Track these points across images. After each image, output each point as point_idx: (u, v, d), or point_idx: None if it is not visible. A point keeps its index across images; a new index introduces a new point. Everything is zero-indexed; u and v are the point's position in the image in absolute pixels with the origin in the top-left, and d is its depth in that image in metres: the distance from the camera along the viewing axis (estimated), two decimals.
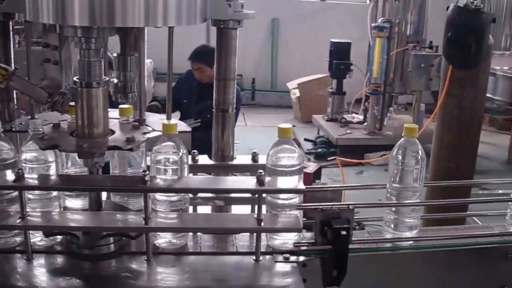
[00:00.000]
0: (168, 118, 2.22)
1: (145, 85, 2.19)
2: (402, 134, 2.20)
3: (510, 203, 2.41)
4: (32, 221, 1.90)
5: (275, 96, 12.55)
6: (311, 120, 10.28)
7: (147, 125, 2.13)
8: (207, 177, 2.25)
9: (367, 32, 9.17)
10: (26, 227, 1.92)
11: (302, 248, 2.10)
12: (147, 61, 2.25)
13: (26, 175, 1.89)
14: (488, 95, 5.45)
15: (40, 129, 1.92)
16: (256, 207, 1.98)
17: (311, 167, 6.15)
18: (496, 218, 2.56)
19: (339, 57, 9.48)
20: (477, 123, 5.08)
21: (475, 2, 4.64)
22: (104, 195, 2.21)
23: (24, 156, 2.04)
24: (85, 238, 1.97)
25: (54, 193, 2.08)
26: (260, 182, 1.94)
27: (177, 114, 5.65)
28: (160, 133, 2.07)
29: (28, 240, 1.96)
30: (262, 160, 2.32)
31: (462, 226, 2.51)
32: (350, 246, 2.04)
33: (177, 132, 2.03)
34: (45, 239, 2.03)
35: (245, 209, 2.28)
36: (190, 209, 2.20)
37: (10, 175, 1.92)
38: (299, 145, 9.00)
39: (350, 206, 2.07)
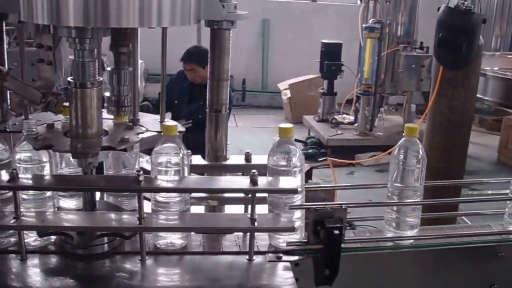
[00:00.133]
0: (162, 118, 2.24)
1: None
2: (403, 134, 2.23)
3: (508, 202, 2.44)
4: (26, 221, 1.90)
5: (266, 97, 12.54)
6: (302, 120, 10.29)
7: (140, 125, 2.14)
8: (201, 177, 2.26)
9: (358, 33, 9.20)
10: (20, 227, 1.92)
11: (295, 247, 2.11)
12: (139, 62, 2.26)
13: (20, 175, 1.89)
14: (478, 95, 5.48)
15: (34, 130, 1.92)
16: (249, 206, 1.99)
17: None
18: (486, 217, 2.59)
19: (330, 57, 9.50)
20: (468, 123, 5.11)
21: (466, 3, 4.67)
22: (97, 195, 2.22)
23: (18, 156, 2.04)
24: (79, 238, 1.97)
25: (48, 193, 2.09)
26: (253, 181, 1.95)
27: (168, 115, 5.65)
28: (154, 133, 2.08)
29: (22, 240, 1.96)
30: (255, 160, 2.34)
31: (453, 226, 2.54)
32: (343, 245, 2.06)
33: (178, 133, 2.03)
34: (39, 239, 2.03)
35: (240, 209, 2.28)
36: None
37: (4, 175, 1.91)
38: None
39: (343, 205, 2.08)
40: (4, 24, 2.22)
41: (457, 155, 5.03)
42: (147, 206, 2.04)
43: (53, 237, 2.07)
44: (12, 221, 1.89)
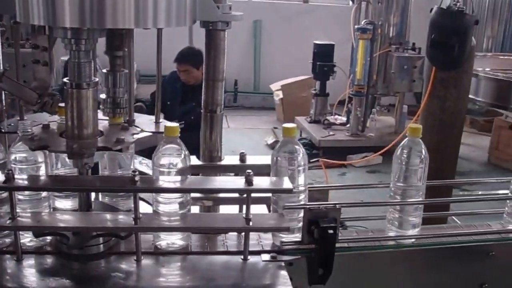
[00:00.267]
0: (157, 119, 2.25)
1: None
2: (406, 134, 2.26)
3: (508, 201, 2.46)
4: (22, 222, 1.91)
5: (258, 98, 12.52)
6: (294, 122, 10.29)
7: (136, 126, 2.14)
8: (196, 177, 2.27)
9: (350, 34, 9.20)
10: (16, 228, 1.92)
11: (289, 247, 2.12)
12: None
13: (16, 176, 1.89)
14: (470, 96, 5.51)
15: (30, 130, 1.93)
16: (244, 206, 2.01)
17: None
18: (477, 217, 2.61)
19: (323, 58, 9.48)
20: (460, 124, 5.13)
21: (458, 4, 4.69)
22: (93, 196, 2.22)
23: (14, 157, 2.05)
24: (75, 239, 1.98)
25: (44, 194, 2.09)
26: (248, 182, 1.96)
27: (161, 115, 5.65)
28: (149, 134, 2.09)
29: (18, 240, 1.97)
30: (249, 160, 2.35)
31: (443, 226, 2.56)
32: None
33: (179, 135, 2.04)
34: (35, 239, 2.04)
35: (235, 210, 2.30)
36: None
37: (0, 176, 1.92)
38: None
39: (337, 205, 2.10)
40: None
41: (449, 155, 5.04)
42: (143, 207, 2.05)
43: (48, 238, 2.07)
44: (8, 221, 1.89)
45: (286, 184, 2.02)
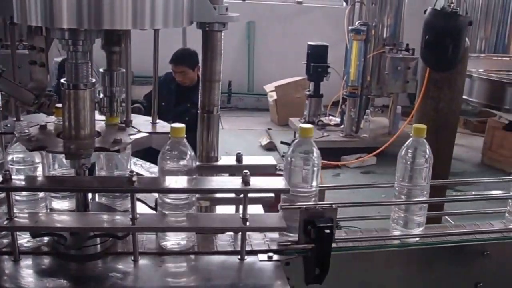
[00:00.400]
0: (154, 120, 2.25)
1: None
2: (411, 134, 2.28)
3: (509, 200, 2.48)
4: (19, 222, 1.91)
5: (252, 99, 12.52)
6: (288, 123, 10.30)
7: (133, 127, 2.15)
8: (193, 178, 2.27)
9: (344, 35, 9.22)
10: (14, 228, 1.92)
11: (286, 247, 2.13)
12: None
13: (13, 177, 1.89)
14: (464, 97, 5.54)
15: (27, 131, 1.93)
16: (241, 207, 2.01)
17: None
18: (471, 217, 2.63)
19: (316, 60, 9.47)
20: (453, 124, 5.16)
21: (452, 5, 4.71)
22: (89, 196, 2.22)
23: (11, 157, 2.05)
24: (72, 239, 1.98)
25: (41, 194, 2.10)
26: (245, 182, 1.97)
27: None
28: (146, 134, 2.10)
29: (15, 241, 1.96)
30: (246, 161, 2.35)
31: (439, 225, 2.57)
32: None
33: (185, 135, 2.05)
34: (32, 240, 2.04)
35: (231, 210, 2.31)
36: None
37: None
38: (275, 148, 9.04)
39: (333, 205, 2.11)
40: None
41: (442, 156, 5.06)
42: (140, 207, 2.05)
43: (46, 238, 2.07)
44: (5, 222, 1.89)
45: (283, 184, 2.03)
